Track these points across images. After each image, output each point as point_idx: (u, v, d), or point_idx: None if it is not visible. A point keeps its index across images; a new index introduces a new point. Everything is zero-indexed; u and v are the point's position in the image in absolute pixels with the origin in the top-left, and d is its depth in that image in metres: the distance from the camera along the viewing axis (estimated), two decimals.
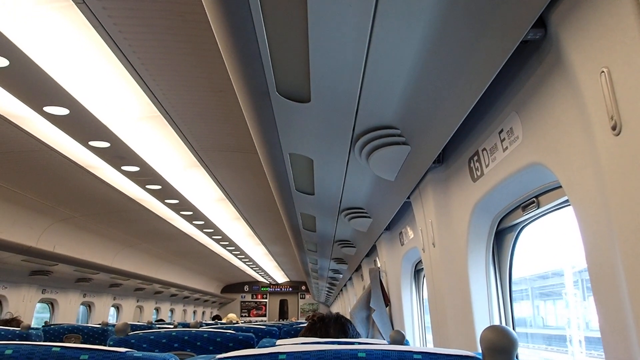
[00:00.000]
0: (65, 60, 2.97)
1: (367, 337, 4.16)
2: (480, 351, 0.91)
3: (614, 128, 1.04)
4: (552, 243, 2.42)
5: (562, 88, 1.30)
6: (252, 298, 20.63)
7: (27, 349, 1.19)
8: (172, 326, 5.88)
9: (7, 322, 4.00)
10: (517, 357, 0.89)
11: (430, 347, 1.01)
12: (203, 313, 18.23)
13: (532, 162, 1.54)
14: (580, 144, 1.24)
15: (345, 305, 10.82)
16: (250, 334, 2.43)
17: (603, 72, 1.05)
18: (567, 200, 1.65)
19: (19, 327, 3.47)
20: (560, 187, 1.44)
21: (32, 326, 3.66)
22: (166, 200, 6.41)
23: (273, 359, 0.92)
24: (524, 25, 1.21)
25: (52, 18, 2.59)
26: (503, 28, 1.26)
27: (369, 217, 3.56)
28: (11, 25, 2.56)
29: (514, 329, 2.17)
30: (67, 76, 3.13)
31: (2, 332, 3.14)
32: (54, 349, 1.19)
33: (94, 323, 7.53)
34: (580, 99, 1.17)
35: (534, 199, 1.85)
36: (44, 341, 3.65)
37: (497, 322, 2.16)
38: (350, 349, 0.94)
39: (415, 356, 0.95)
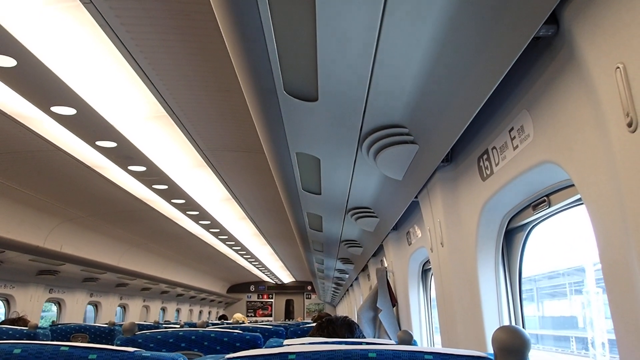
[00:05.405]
0: (72, 60, 2.98)
1: (373, 338, 4.14)
2: (491, 352, 0.90)
3: (629, 125, 1.02)
4: None
5: (575, 85, 1.28)
6: (258, 298, 20.65)
7: (35, 348, 1.19)
8: (178, 326, 5.89)
9: (14, 322, 4.00)
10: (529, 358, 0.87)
11: (441, 348, 1.00)
12: (209, 313, 18.25)
13: (543, 160, 1.52)
14: (594, 141, 1.22)
15: (351, 306, 10.79)
16: (257, 334, 2.42)
17: (618, 68, 1.03)
18: (579, 199, 1.63)
19: (26, 326, 3.47)
20: (572, 185, 1.42)
21: (39, 325, 3.66)
22: (172, 200, 6.42)
23: (283, 358, 0.91)
24: (536, 22, 1.19)
25: (59, 18, 2.59)
26: (514, 24, 1.24)
27: (376, 217, 3.54)
28: (19, 25, 2.56)
29: (524, 328, 2.14)
30: (74, 76, 3.13)
31: (10, 332, 3.14)
32: (62, 348, 1.18)
33: (100, 322, 7.55)
34: (595, 96, 1.15)
35: (544, 197, 1.83)
36: (51, 340, 3.66)
37: (507, 323, 2.14)
38: (361, 349, 0.93)
39: (426, 357, 0.93)
